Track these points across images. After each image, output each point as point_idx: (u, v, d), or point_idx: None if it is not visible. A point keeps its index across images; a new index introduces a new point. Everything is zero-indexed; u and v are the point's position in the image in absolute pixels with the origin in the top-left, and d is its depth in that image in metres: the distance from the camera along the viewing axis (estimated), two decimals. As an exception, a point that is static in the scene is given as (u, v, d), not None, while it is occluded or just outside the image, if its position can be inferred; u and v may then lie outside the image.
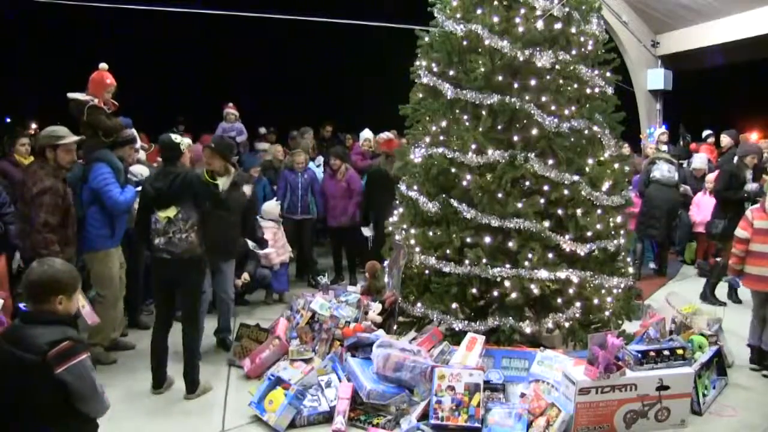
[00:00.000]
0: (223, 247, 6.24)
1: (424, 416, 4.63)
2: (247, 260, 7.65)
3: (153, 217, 5.15)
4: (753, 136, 11.54)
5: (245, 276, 7.44)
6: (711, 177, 9.59)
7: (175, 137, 5.71)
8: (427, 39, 6.09)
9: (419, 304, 5.75)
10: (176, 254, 5.06)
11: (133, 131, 6.82)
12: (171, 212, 5.14)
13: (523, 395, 4.79)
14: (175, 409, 5.03)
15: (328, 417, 4.74)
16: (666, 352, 4.78)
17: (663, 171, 9.40)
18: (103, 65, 6.23)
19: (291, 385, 4.83)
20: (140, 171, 6.60)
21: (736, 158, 8.52)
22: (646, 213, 9.24)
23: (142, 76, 15.81)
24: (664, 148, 11.33)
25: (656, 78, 15.54)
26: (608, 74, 6.00)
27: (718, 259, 8.37)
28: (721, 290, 8.22)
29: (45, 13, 12.55)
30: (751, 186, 8.26)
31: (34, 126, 13.96)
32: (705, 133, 13.07)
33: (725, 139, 11.62)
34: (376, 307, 6.09)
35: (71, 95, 6.04)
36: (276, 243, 8.03)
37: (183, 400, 5.15)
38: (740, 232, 6.01)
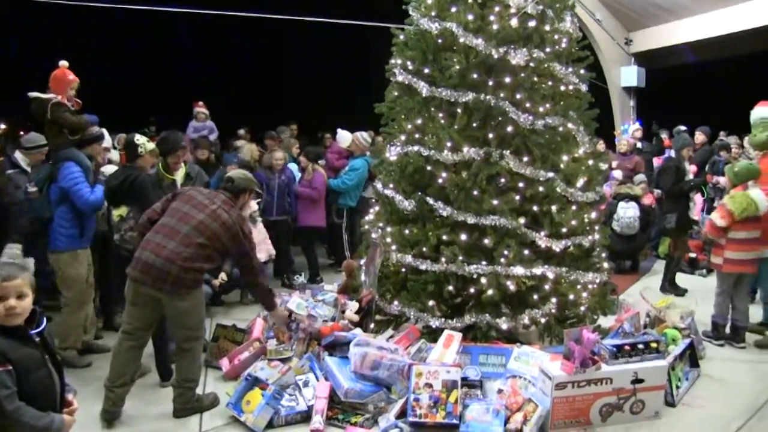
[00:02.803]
0: None
1: (402, 414, 4.64)
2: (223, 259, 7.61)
3: (110, 215, 5.18)
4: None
5: (222, 276, 7.41)
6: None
7: (138, 138, 5.71)
8: (402, 37, 6.09)
9: (396, 302, 5.75)
10: (131, 251, 4.98)
11: (103, 130, 6.76)
12: (122, 211, 5.26)
13: (500, 391, 4.81)
14: (151, 410, 4.98)
15: (306, 416, 4.73)
16: (640, 346, 4.83)
17: (622, 221, 9.45)
18: (63, 62, 6.07)
19: (268, 385, 4.81)
20: (110, 171, 6.52)
21: (673, 152, 8.63)
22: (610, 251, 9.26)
23: (113, 75, 15.65)
24: (641, 144, 11.42)
25: (629, 75, 15.72)
26: (582, 71, 6.02)
27: (675, 253, 8.50)
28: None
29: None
30: (692, 177, 8.52)
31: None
32: (679, 129, 13.19)
33: (699, 136, 11.79)
34: (352, 306, 6.09)
35: (32, 94, 5.89)
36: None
37: (160, 402, 5.08)
38: (720, 221, 6.31)
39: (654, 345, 4.88)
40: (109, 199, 5.40)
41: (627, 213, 9.40)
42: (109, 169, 6.59)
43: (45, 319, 3.00)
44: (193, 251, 4.61)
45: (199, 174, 7.08)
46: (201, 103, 11.64)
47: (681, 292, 8.22)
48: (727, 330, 6.55)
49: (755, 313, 6.85)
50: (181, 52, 17.30)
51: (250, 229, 5.08)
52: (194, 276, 4.69)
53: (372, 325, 5.96)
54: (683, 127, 12.90)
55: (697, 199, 9.40)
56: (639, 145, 13.15)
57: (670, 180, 8.29)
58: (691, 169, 9.81)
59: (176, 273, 4.55)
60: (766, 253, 6.42)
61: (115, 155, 7.85)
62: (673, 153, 11.42)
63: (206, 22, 12.31)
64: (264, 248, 8.15)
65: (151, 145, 5.89)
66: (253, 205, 8.11)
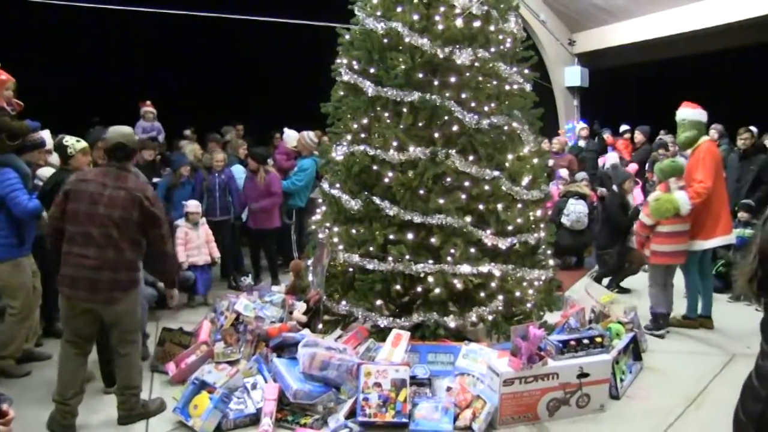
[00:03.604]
0: None
1: (351, 414, 4.62)
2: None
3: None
4: (612, 157, 11.94)
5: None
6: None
7: (66, 139, 5.57)
8: (347, 37, 6.08)
9: (344, 302, 5.74)
10: None
11: (45, 133, 6.55)
12: None
13: (449, 389, 4.83)
14: (96, 418, 4.85)
15: (254, 419, 4.67)
16: (585, 341, 4.90)
17: (572, 215, 9.61)
18: None
19: (216, 389, 4.74)
20: (46, 174, 6.31)
21: (615, 187, 8.82)
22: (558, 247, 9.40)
23: (54, 75, 15.24)
24: (586, 142, 11.62)
25: (573, 75, 16.03)
26: (526, 71, 6.11)
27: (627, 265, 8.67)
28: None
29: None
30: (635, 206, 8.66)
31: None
32: (622, 128, 13.50)
33: (638, 136, 12.09)
34: (300, 307, 6.06)
35: None
36: (189, 244, 7.89)
37: (104, 409, 4.95)
38: (647, 219, 6.60)
39: (599, 340, 4.96)
40: (44, 203, 5.21)
41: (577, 208, 9.57)
42: (43, 173, 6.38)
43: None
44: (113, 250, 4.43)
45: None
46: (149, 102, 11.41)
47: (625, 290, 8.39)
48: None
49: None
50: (124, 51, 16.92)
51: (154, 194, 4.78)
52: (128, 275, 4.54)
53: (320, 326, 5.93)
54: (626, 126, 13.22)
55: (637, 193, 9.62)
56: (582, 144, 13.42)
57: (620, 215, 8.44)
58: (631, 167, 10.07)
59: (108, 278, 4.40)
60: (694, 246, 6.66)
61: (55, 158, 7.65)
62: (615, 154, 11.74)
63: (150, 20, 12.07)
64: (205, 251, 8.04)
65: (81, 144, 5.69)
66: (193, 207, 8.00)
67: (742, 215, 8.02)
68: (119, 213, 4.44)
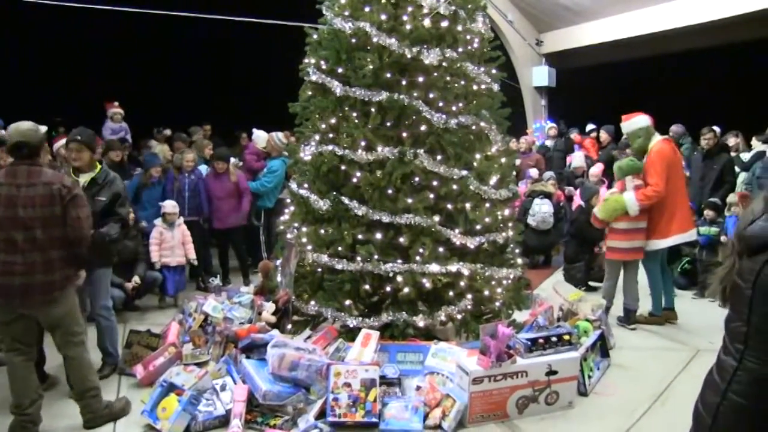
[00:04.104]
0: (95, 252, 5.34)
1: (321, 414, 4.60)
2: (136, 263, 7.43)
3: None
4: (578, 157, 12.06)
5: (135, 279, 7.22)
6: (594, 171, 10.04)
7: None
8: (315, 36, 6.06)
9: (313, 303, 5.72)
10: None
11: (2, 132, 6.44)
12: None
13: (418, 388, 4.84)
14: (62, 424, 4.76)
15: (224, 421, 4.63)
16: (554, 339, 4.94)
17: (538, 216, 9.71)
18: None
19: (185, 391, 4.69)
20: None
21: (583, 203, 8.94)
22: (525, 246, 9.45)
23: (15, 73, 14.99)
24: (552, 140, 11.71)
25: (541, 75, 16.18)
26: (494, 71, 6.14)
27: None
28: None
29: None
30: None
31: None
32: (589, 127, 13.64)
33: (603, 135, 12.23)
34: (269, 307, 6.02)
35: None
36: (163, 244, 7.82)
37: (70, 415, 4.83)
38: (599, 212, 6.81)
39: (567, 337, 5.01)
40: None
41: (542, 208, 9.66)
42: None
43: None
44: (40, 252, 4.28)
45: (110, 183, 5.70)
46: (116, 103, 11.27)
47: (593, 288, 8.49)
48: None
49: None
50: (88, 50, 16.68)
51: (73, 182, 4.62)
52: (62, 273, 4.40)
53: (289, 326, 5.90)
54: (592, 126, 13.37)
55: (603, 193, 9.72)
56: (548, 143, 13.55)
57: (589, 229, 8.49)
58: (597, 166, 10.17)
59: (41, 281, 4.27)
60: (651, 246, 6.80)
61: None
62: (581, 154, 11.86)
63: (118, 19, 11.93)
64: (179, 252, 7.98)
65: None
66: (170, 208, 7.94)
67: (708, 213, 8.15)
68: (40, 212, 4.27)
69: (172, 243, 7.93)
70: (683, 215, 6.80)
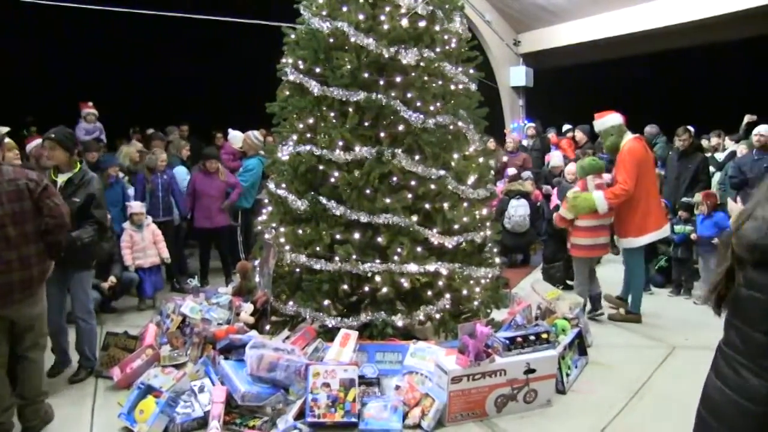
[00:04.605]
0: (75, 254, 5.24)
1: (300, 415, 4.58)
2: (112, 264, 7.37)
3: None
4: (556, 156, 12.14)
5: (112, 279, 7.17)
6: (570, 169, 10.09)
7: None
8: (293, 36, 6.04)
9: (291, 303, 5.71)
10: None
11: None
12: None
13: (397, 387, 4.84)
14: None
15: (202, 423, 4.60)
16: (532, 337, 4.97)
17: (514, 219, 9.73)
18: None
19: (162, 393, 4.66)
20: None
21: (560, 203, 9.01)
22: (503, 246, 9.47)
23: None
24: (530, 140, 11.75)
25: (518, 75, 16.24)
26: (471, 71, 6.17)
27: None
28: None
29: None
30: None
31: None
32: (565, 127, 13.72)
33: (578, 134, 12.30)
34: (247, 308, 6.01)
35: None
36: (134, 246, 7.75)
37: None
38: (565, 212, 6.95)
39: (545, 336, 5.04)
40: None
41: (518, 212, 9.68)
42: None
43: None
44: (16, 249, 4.23)
45: (86, 183, 5.57)
46: (90, 104, 11.14)
47: (570, 287, 8.56)
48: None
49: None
50: (63, 50, 16.50)
51: (39, 175, 4.58)
52: (39, 269, 4.38)
53: (268, 327, 5.89)
54: (569, 126, 13.46)
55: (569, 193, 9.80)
56: (525, 143, 13.62)
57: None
58: (573, 165, 10.23)
59: (19, 278, 4.24)
60: (629, 242, 6.95)
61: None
62: (559, 153, 11.92)
63: (94, 18, 11.80)
64: (152, 253, 7.91)
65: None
66: (137, 208, 7.87)
67: (682, 213, 8.24)
68: (9, 209, 4.23)
69: (143, 244, 7.86)
70: (657, 212, 6.93)
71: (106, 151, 10.85)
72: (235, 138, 9.76)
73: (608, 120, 7.01)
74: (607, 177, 7.00)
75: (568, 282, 8.58)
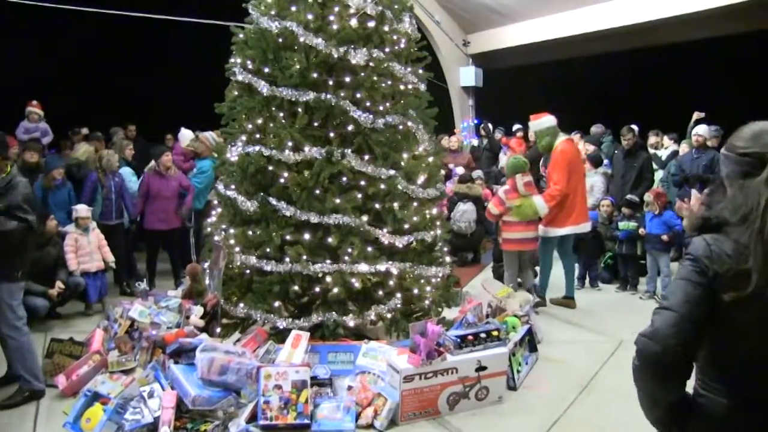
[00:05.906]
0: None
1: (252, 418, 4.56)
2: (56, 269, 7.19)
3: None
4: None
5: (59, 284, 7.00)
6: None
7: None
8: (242, 36, 5.99)
9: (242, 305, 5.66)
10: None
11: None
12: None
13: (350, 388, 4.86)
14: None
15: (152, 429, 4.51)
16: (483, 335, 5.03)
17: (461, 221, 9.82)
18: None
19: (110, 399, 4.56)
20: None
21: None
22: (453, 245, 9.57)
23: None
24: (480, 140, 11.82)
25: (468, 75, 16.36)
26: (421, 71, 6.20)
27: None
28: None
29: None
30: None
31: None
32: (515, 127, 13.86)
33: (531, 134, 12.41)
34: (197, 311, 5.93)
35: None
36: (80, 250, 7.58)
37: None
38: (494, 209, 7.26)
39: (495, 333, 5.11)
40: None
41: (464, 216, 9.77)
42: None
43: None
44: None
45: (11, 189, 5.06)
46: (35, 102, 10.83)
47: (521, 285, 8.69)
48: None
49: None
50: (9, 49, 16.07)
51: None
52: None
53: (218, 330, 5.82)
54: (518, 125, 13.60)
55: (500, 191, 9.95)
56: (476, 142, 13.74)
57: None
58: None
59: None
60: (549, 232, 7.37)
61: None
62: (507, 151, 12.07)
63: (42, 14, 11.52)
64: (97, 257, 7.73)
65: None
66: (84, 212, 7.69)
67: (626, 210, 8.41)
68: None
69: (88, 248, 7.63)
70: (580, 210, 7.35)
71: (48, 152, 10.60)
72: (184, 137, 9.53)
73: (544, 121, 7.43)
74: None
75: (518, 280, 8.71)
